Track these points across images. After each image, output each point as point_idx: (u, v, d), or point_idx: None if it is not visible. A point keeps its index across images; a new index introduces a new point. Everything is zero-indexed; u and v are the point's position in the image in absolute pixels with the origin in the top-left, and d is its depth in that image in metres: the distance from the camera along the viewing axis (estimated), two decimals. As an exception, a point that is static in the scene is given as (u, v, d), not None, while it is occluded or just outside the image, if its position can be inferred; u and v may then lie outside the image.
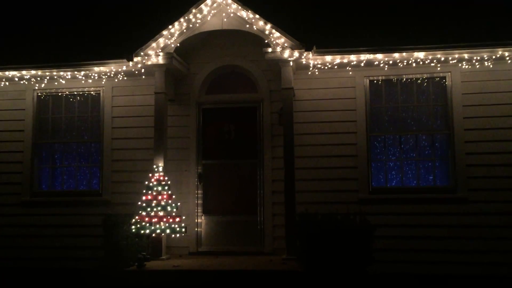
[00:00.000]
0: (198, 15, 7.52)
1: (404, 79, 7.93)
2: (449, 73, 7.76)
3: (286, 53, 7.30)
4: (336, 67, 7.84)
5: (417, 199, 7.58)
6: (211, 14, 7.55)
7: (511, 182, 7.40)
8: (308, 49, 7.29)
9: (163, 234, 7.18)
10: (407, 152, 7.89)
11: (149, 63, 7.58)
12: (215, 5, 7.51)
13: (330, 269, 6.25)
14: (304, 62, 7.64)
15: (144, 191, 7.18)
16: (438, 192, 7.65)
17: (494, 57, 7.50)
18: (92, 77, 8.33)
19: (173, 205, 7.17)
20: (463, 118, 7.62)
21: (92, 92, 8.58)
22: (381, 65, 7.74)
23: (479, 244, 7.31)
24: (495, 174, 7.45)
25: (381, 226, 6.89)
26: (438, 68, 7.73)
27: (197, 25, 7.59)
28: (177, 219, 7.13)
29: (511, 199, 7.36)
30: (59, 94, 8.67)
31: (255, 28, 7.41)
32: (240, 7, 7.40)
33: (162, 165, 7.43)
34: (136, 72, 8.08)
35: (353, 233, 6.34)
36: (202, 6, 7.47)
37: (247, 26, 7.45)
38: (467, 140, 7.57)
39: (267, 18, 7.34)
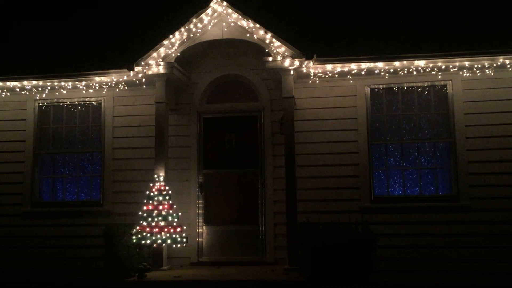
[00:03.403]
0: (199, 25, 7.53)
1: (405, 88, 7.92)
2: (450, 81, 7.74)
3: (287, 62, 7.30)
4: (336, 75, 7.83)
5: (419, 208, 7.53)
6: (211, 24, 7.57)
7: (513, 190, 7.36)
8: (308, 58, 7.30)
9: (164, 244, 7.14)
10: (408, 160, 7.85)
11: (150, 72, 7.59)
12: (215, 14, 7.53)
13: (332, 279, 6.21)
14: (304, 71, 7.64)
15: (145, 201, 7.17)
16: (440, 200, 7.61)
17: (495, 65, 7.48)
18: (93, 87, 8.35)
19: (174, 215, 7.15)
20: (465, 126, 7.59)
21: (93, 102, 8.59)
22: (382, 73, 7.73)
23: (483, 253, 7.25)
24: (497, 183, 7.40)
25: (383, 235, 6.86)
26: (439, 76, 7.72)
27: (198, 34, 7.60)
28: (178, 229, 7.10)
29: (514, 207, 7.33)
30: (60, 104, 8.68)
31: (255, 38, 7.42)
32: (240, 17, 7.42)
33: (163, 174, 7.41)
34: (137, 81, 8.08)
35: (355, 242, 6.29)
36: (203, 15, 7.49)
37: (248, 35, 7.45)
38: (469, 148, 7.54)
39: (267, 27, 7.36)
